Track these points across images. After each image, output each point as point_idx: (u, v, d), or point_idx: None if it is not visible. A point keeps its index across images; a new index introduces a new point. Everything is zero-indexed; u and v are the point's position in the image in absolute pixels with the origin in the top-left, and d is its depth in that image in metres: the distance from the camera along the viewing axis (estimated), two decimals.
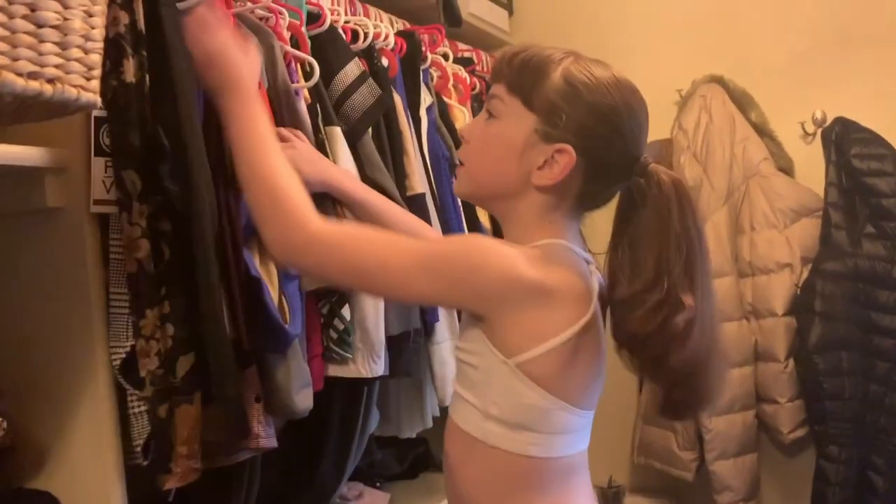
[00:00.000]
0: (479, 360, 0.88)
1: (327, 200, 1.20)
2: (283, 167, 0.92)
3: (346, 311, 1.24)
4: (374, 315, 1.27)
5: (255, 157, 0.92)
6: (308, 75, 1.25)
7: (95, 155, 0.96)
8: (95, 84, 0.75)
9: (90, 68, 0.73)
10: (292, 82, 1.20)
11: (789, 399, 1.98)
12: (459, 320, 1.04)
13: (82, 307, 0.99)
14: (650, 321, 0.83)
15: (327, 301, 1.25)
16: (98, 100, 0.77)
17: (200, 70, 0.98)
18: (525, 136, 0.89)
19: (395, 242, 0.90)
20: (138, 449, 1.00)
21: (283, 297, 1.12)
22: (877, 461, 1.88)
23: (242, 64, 0.98)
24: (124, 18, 0.93)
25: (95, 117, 0.95)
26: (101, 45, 0.75)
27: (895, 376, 1.87)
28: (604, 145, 0.89)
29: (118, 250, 0.98)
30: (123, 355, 0.98)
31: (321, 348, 1.25)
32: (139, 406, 1.00)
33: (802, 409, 1.99)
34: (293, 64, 1.23)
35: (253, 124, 0.94)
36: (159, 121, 0.98)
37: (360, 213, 1.20)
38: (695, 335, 0.84)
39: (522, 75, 0.90)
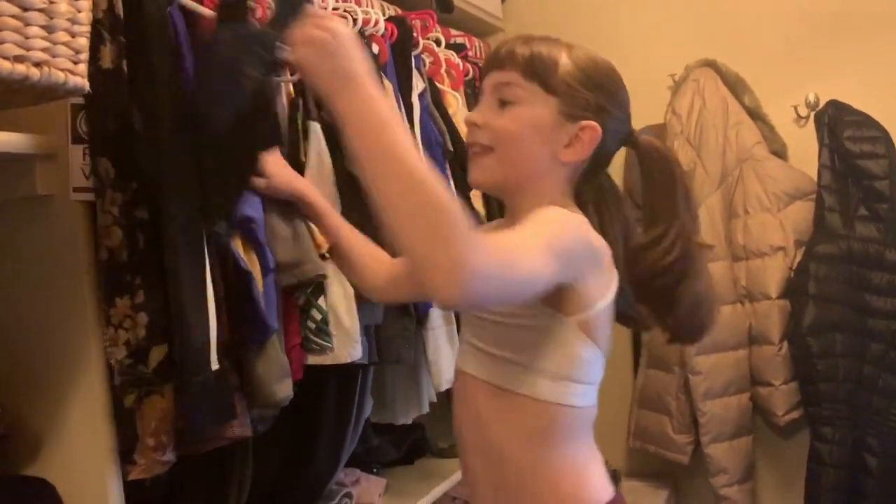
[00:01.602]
0: (533, 321, 0.93)
1: (294, 210, 1.20)
2: (428, 170, 0.72)
3: (322, 302, 1.24)
4: (344, 299, 1.27)
5: (402, 163, 0.71)
6: (294, 69, 1.25)
7: (73, 143, 0.96)
8: (83, 68, 0.75)
9: (77, 52, 0.73)
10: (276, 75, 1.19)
11: (784, 381, 1.99)
12: None
13: (76, 294, 1.00)
14: (672, 252, 0.97)
15: (302, 293, 1.24)
16: (86, 84, 0.77)
17: (305, 66, 0.77)
18: (551, 117, 0.97)
19: (532, 240, 0.81)
20: None
21: None
22: (871, 442, 1.89)
23: (353, 44, 0.77)
24: (102, 3, 0.93)
25: (72, 104, 0.94)
26: (87, 28, 0.75)
27: (889, 358, 1.88)
28: (613, 120, 0.99)
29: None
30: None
31: (299, 338, 1.25)
32: None
33: (797, 391, 1.99)
34: None
35: (386, 117, 0.74)
36: (136, 105, 0.97)
37: (322, 229, 1.22)
38: (705, 266, 1.02)
39: (535, 62, 0.97)
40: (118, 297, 0.96)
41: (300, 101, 1.28)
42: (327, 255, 1.23)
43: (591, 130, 0.97)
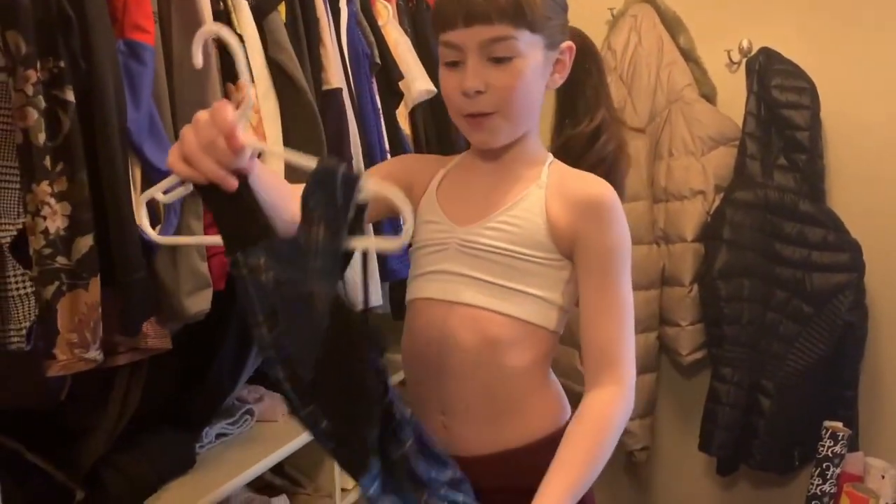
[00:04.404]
0: (559, 264, 0.97)
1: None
2: (587, 452, 0.93)
3: None
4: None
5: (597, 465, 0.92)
6: None
7: None
8: None
9: None
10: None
11: (691, 322, 2.04)
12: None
13: None
14: (610, 142, 1.05)
15: None
16: None
17: None
18: (542, 57, 0.95)
19: (627, 310, 0.95)
20: (22, 333, 0.93)
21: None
22: (766, 384, 1.96)
23: None
24: None
25: None
26: None
27: (791, 305, 1.94)
28: (567, 32, 1.01)
29: (4, 119, 0.90)
30: (14, 232, 0.91)
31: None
32: (26, 287, 0.92)
33: (702, 332, 2.05)
34: None
35: (572, 479, 0.91)
36: None
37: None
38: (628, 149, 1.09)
39: (521, 7, 0.91)
40: (35, 182, 0.89)
41: None
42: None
43: (569, 49, 0.99)
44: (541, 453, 0.98)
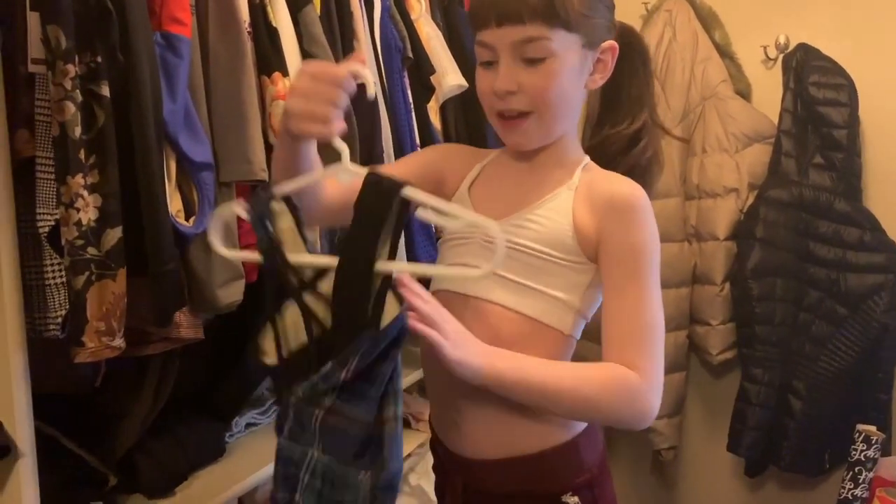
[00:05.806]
0: (581, 267, 0.95)
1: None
2: (575, 373, 0.90)
3: None
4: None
5: (560, 392, 0.89)
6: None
7: (32, 9, 0.88)
8: None
9: None
10: None
11: (721, 322, 2.02)
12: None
13: None
14: (649, 148, 1.04)
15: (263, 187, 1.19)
16: None
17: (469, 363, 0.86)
18: (579, 56, 0.93)
19: (651, 315, 0.92)
20: (58, 321, 0.95)
21: (193, 188, 1.05)
22: (797, 385, 1.94)
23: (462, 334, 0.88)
24: None
25: None
26: None
27: (824, 305, 1.91)
28: (615, 28, 0.99)
29: (44, 112, 0.92)
30: (52, 223, 0.93)
31: (255, 237, 1.20)
32: (62, 276, 0.95)
33: (733, 331, 2.03)
34: None
35: (537, 365, 0.90)
36: None
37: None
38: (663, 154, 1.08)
39: (554, 5, 0.90)
40: (70, 175, 0.91)
41: None
42: None
43: (611, 49, 0.97)
44: (554, 462, 0.97)
